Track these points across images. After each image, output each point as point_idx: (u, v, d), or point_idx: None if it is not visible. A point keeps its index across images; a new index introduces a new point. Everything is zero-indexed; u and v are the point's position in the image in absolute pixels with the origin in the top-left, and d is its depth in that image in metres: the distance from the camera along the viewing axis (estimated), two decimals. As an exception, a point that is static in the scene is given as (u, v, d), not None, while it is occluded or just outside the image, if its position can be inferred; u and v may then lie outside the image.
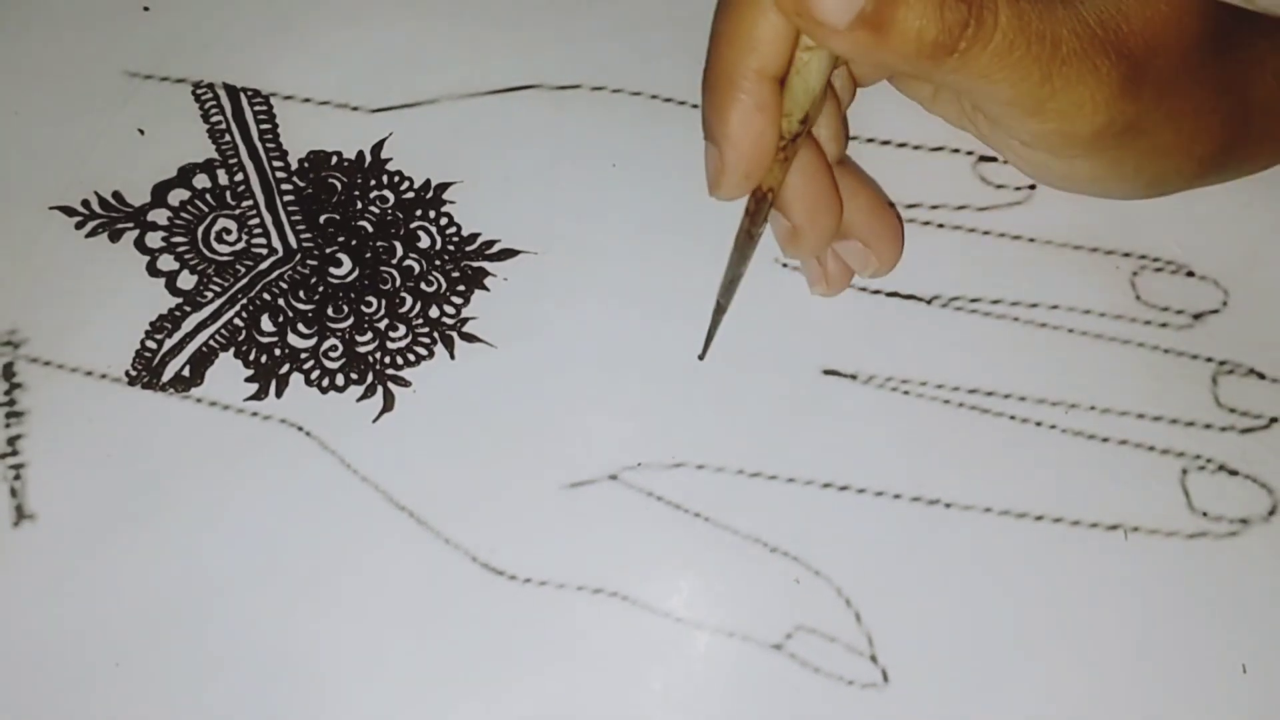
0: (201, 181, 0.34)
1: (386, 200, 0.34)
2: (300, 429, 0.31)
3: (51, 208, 0.33)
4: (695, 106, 0.34)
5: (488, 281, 0.33)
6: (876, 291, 0.33)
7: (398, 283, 0.33)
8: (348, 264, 0.33)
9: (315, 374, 0.32)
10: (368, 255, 0.33)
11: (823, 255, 0.32)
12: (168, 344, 0.32)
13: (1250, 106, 0.30)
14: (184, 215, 0.33)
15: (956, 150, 0.34)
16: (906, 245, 0.33)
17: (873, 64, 0.27)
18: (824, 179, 0.30)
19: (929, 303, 0.33)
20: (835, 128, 0.31)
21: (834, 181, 0.30)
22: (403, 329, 0.32)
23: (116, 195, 0.33)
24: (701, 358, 0.32)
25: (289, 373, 0.32)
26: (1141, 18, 0.27)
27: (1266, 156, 0.32)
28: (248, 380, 0.31)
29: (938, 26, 0.25)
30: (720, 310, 0.31)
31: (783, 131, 0.28)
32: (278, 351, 0.32)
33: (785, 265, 0.33)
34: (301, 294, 0.33)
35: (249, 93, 0.35)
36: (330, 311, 0.32)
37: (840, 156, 0.31)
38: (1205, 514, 0.30)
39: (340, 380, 0.32)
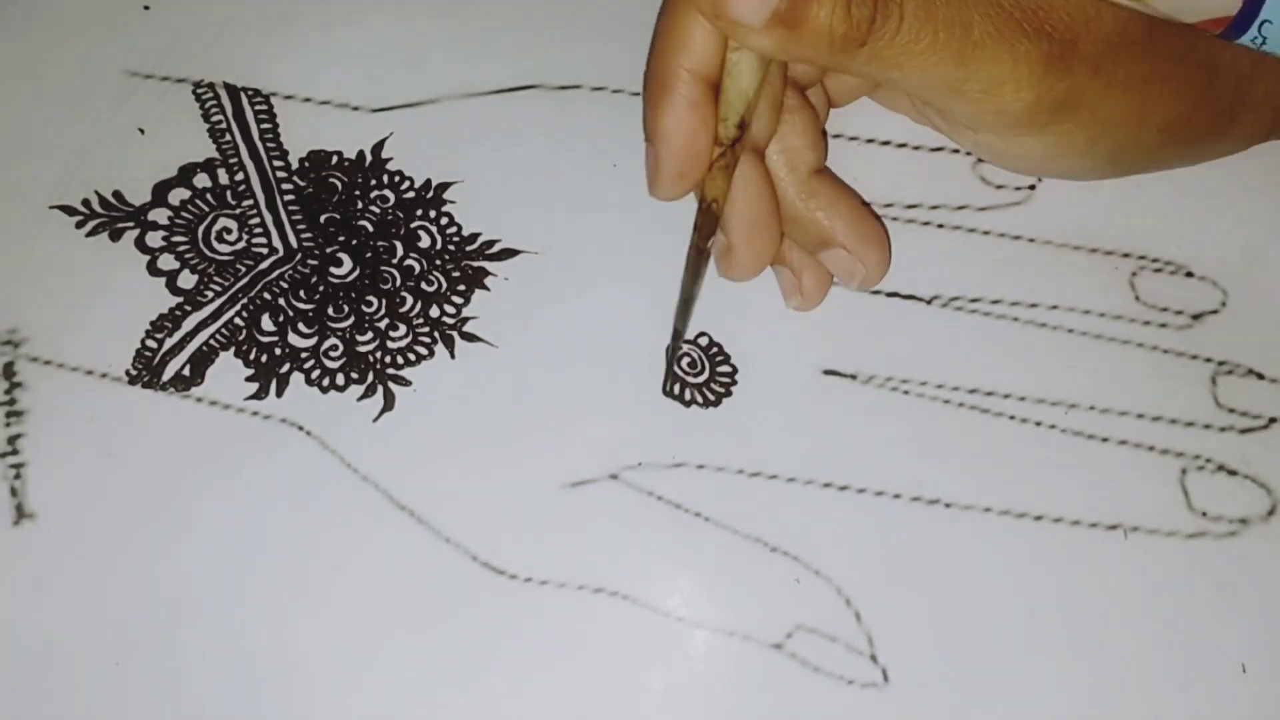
0: (202, 181, 0.34)
1: (387, 200, 0.34)
2: (301, 428, 0.31)
3: (52, 207, 0.33)
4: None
5: (488, 281, 0.33)
6: (876, 292, 0.33)
7: (398, 282, 0.33)
8: (348, 263, 0.33)
9: (316, 373, 0.32)
10: (368, 255, 0.33)
11: (796, 266, 0.32)
12: (168, 343, 0.32)
13: (1216, 70, 0.29)
14: (184, 214, 0.33)
15: (956, 150, 0.34)
16: (907, 246, 0.33)
17: (790, 59, 0.28)
18: (765, 200, 0.30)
19: (929, 303, 0.33)
20: (811, 136, 0.31)
21: (775, 208, 0.30)
22: (403, 328, 0.32)
23: (117, 194, 0.33)
24: (666, 392, 0.31)
25: (289, 372, 0.32)
26: None
27: (1252, 125, 0.32)
28: (248, 380, 0.31)
29: (846, 22, 0.26)
30: (678, 335, 0.31)
31: (720, 137, 0.28)
32: (278, 351, 0.32)
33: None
34: (302, 293, 0.33)
35: (249, 92, 0.35)
36: (331, 311, 0.32)
37: (818, 166, 0.31)
38: (1204, 514, 0.31)
39: (341, 380, 0.32)
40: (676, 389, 0.31)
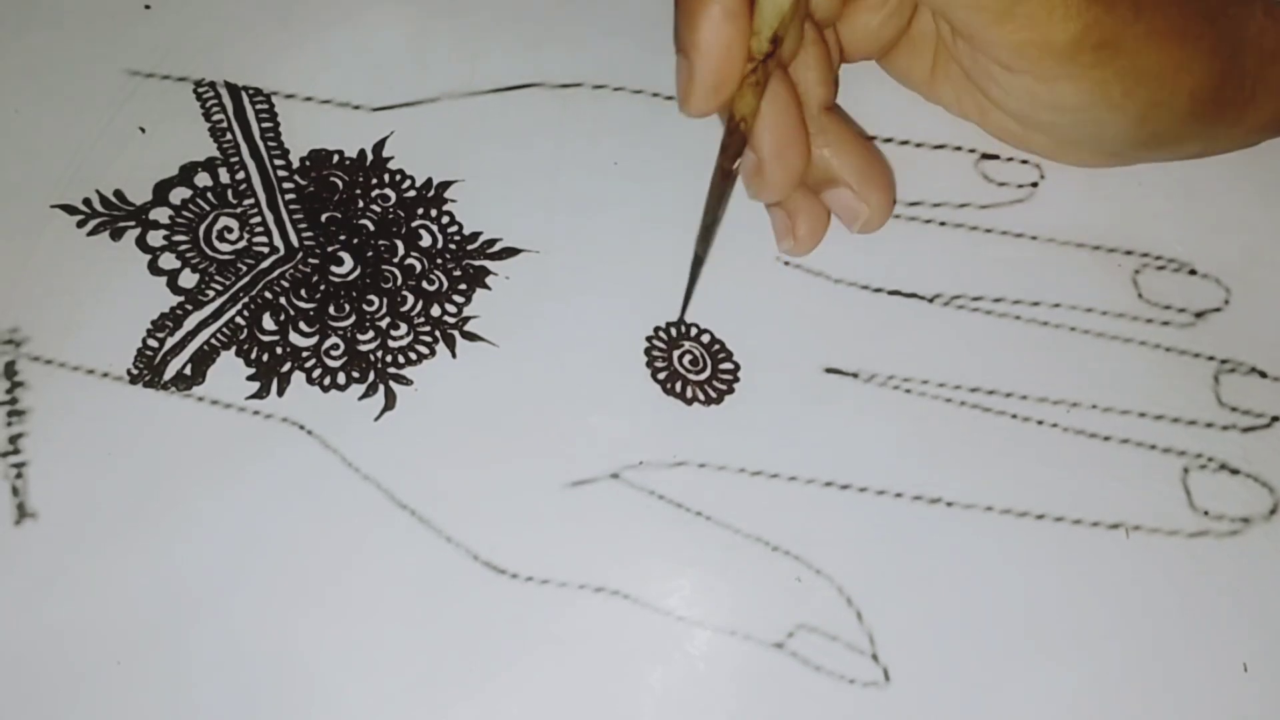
0: (203, 180, 0.34)
1: (388, 199, 0.34)
2: (302, 427, 0.31)
3: (53, 206, 0.33)
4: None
5: (489, 280, 0.33)
6: (878, 290, 0.33)
7: (399, 281, 0.33)
8: (349, 262, 0.33)
9: (317, 372, 0.32)
10: (369, 254, 0.33)
11: (792, 208, 0.31)
12: (169, 342, 0.32)
13: (1242, 42, 0.30)
14: (185, 214, 0.33)
15: (959, 148, 0.34)
16: (909, 243, 0.33)
17: None
18: (794, 115, 0.30)
19: (931, 301, 0.33)
20: (824, 71, 0.31)
21: (804, 125, 0.30)
22: (404, 327, 0.32)
23: (118, 193, 0.33)
24: (680, 317, 0.31)
25: (290, 371, 0.32)
26: None
27: (1265, 110, 0.32)
28: (249, 379, 0.31)
29: None
30: (698, 262, 0.31)
31: (753, 51, 0.28)
32: (279, 350, 0.32)
33: (787, 264, 0.33)
34: (303, 292, 0.33)
35: (250, 91, 0.35)
36: (332, 310, 0.32)
37: (828, 102, 0.31)
38: (1206, 513, 0.30)
39: (342, 379, 0.32)
40: (683, 329, 0.31)
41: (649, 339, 0.32)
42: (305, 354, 0.32)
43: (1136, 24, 0.28)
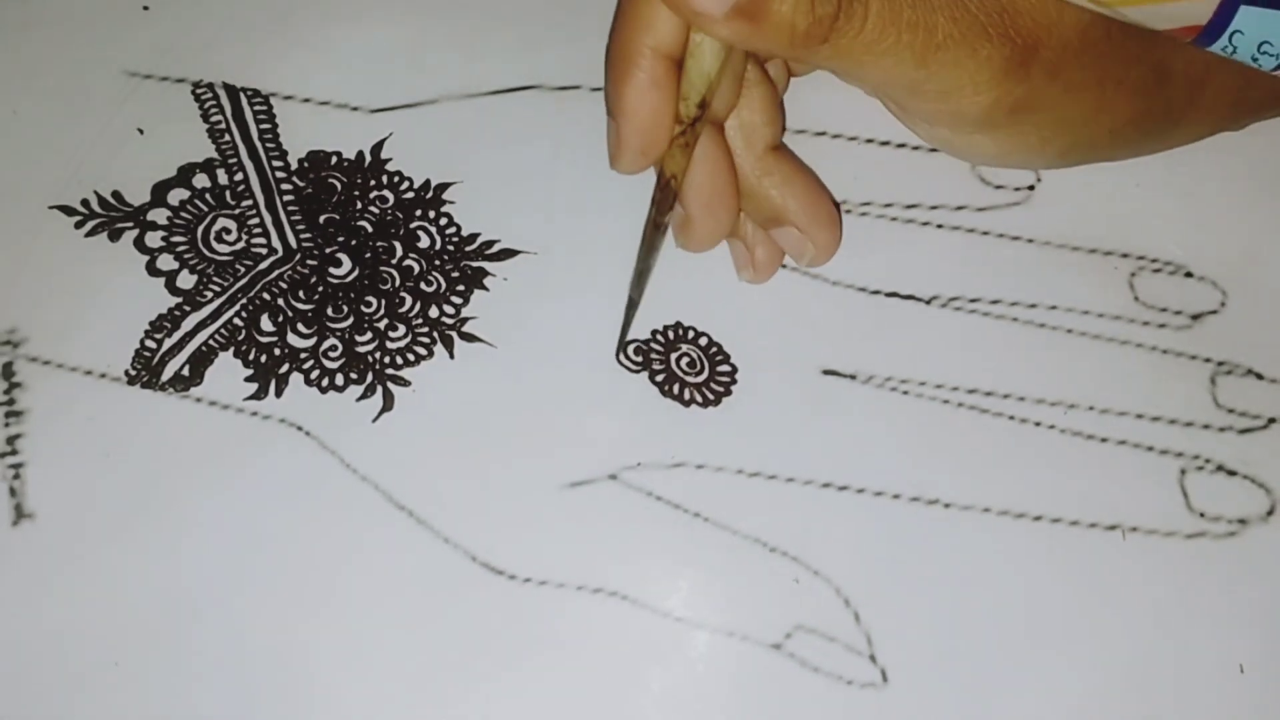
0: (201, 181, 0.34)
1: (386, 200, 0.34)
2: (300, 429, 0.31)
3: (51, 207, 0.33)
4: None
5: (487, 281, 0.33)
6: (876, 292, 0.33)
7: (397, 282, 0.33)
8: (347, 264, 0.33)
9: (315, 374, 0.32)
10: (367, 255, 0.33)
11: (750, 241, 0.32)
12: (167, 343, 0.32)
13: (1168, 75, 0.30)
14: (184, 215, 0.33)
15: (956, 151, 0.34)
16: (906, 245, 0.33)
17: (751, 49, 0.28)
18: (723, 173, 0.30)
19: (928, 303, 0.33)
20: (769, 113, 0.31)
21: (734, 183, 0.30)
22: (402, 329, 0.32)
23: (116, 195, 0.33)
24: (617, 355, 0.32)
25: (288, 372, 0.32)
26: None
27: (1193, 126, 0.32)
28: (247, 380, 0.31)
29: (808, 18, 0.26)
30: (633, 305, 0.31)
31: (680, 115, 0.28)
32: (277, 351, 0.32)
33: (784, 266, 0.33)
34: (301, 294, 0.33)
35: (249, 92, 0.35)
36: (330, 311, 0.32)
37: (773, 142, 0.31)
38: (1203, 514, 0.31)
39: (340, 380, 0.32)
40: (624, 357, 0.32)
41: (646, 341, 0.32)
42: (303, 355, 0.32)
43: (1053, 84, 0.28)
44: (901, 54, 0.27)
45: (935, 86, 0.28)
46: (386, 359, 0.32)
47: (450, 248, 0.33)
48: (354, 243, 0.33)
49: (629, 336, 0.32)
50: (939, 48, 0.27)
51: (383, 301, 0.32)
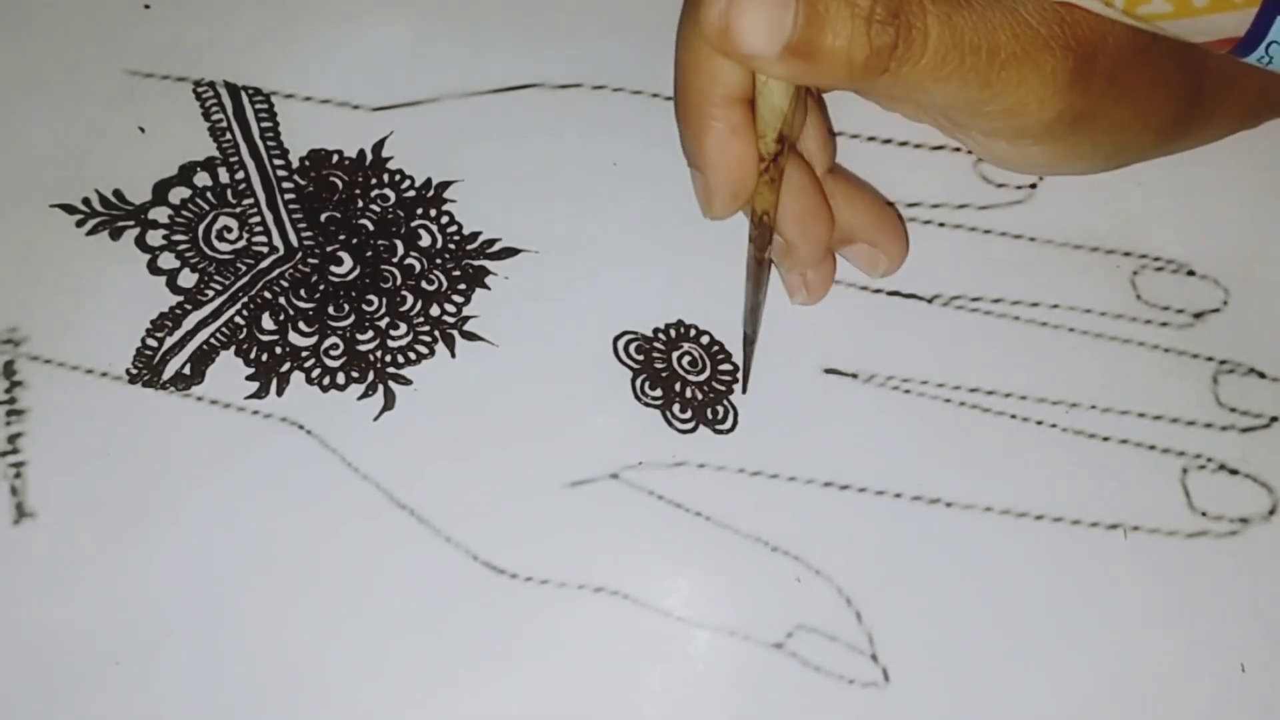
0: (202, 179, 0.34)
1: (387, 199, 0.34)
2: (301, 427, 0.31)
3: (52, 206, 0.33)
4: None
5: (489, 280, 0.33)
6: (877, 291, 0.33)
7: (399, 281, 0.33)
8: (349, 262, 0.33)
9: (316, 372, 0.32)
10: (369, 254, 0.33)
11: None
12: (168, 342, 0.32)
13: (1204, 75, 0.30)
14: (185, 213, 0.33)
15: (957, 149, 0.34)
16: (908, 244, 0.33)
17: (811, 85, 0.28)
18: (813, 194, 0.30)
19: (929, 302, 0.33)
20: (821, 138, 0.31)
21: (823, 196, 0.30)
22: (404, 327, 0.32)
23: (117, 193, 0.33)
24: (744, 391, 0.32)
25: (290, 371, 0.32)
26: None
27: (1218, 125, 0.32)
28: (248, 378, 0.31)
29: (866, 49, 0.26)
30: (749, 341, 0.31)
31: (762, 153, 0.28)
32: (278, 350, 0.32)
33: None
34: (302, 292, 0.33)
35: (250, 91, 0.35)
36: (331, 310, 0.32)
37: (829, 165, 0.31)
38: (1205, 513, 0.31)
39: (341, 379, 0.31)
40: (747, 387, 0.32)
41: (648, 339, 0.32)
42: (304, 354, 0.32)
43: (1110, 91, 0.28)
44: (966, 77, 0.27)
45: (999, 105, 0.28)
46: (388, 358, 0.32)
47: (451, 246, 0.33)
48: (355, 241, 0.33)
49: (749, 370, 0.32)
50: (1003, 66, 0.27)
51: (384, 300, 0.32)
